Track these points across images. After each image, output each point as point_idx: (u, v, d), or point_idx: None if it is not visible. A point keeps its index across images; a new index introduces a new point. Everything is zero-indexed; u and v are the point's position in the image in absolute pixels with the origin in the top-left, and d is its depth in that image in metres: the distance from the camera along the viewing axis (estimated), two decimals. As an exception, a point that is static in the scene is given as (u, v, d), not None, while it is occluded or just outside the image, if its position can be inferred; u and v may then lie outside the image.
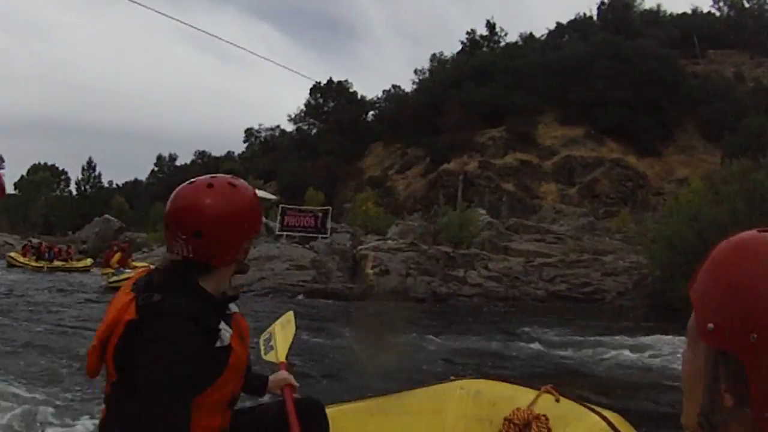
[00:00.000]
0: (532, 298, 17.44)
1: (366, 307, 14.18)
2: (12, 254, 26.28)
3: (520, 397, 1.99)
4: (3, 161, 28.95)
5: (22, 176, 68.56)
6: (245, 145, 59.31)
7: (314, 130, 50.33)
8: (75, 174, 70.59)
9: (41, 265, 23.91)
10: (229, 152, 60.62)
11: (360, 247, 19.96)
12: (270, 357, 2.10)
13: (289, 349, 2.10)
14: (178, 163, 65.52)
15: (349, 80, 53.73)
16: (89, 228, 41.72)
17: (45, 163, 70.79)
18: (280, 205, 23.02)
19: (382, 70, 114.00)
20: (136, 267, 13.47)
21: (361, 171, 43.16)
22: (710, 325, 0.64)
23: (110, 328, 1.39)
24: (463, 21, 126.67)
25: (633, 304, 16.27)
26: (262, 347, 2.16)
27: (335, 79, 50.85)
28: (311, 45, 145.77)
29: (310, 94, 50.20)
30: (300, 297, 15.98)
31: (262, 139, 57.10)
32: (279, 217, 21.86)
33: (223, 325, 1.45)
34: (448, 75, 46.77)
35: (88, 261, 26.59)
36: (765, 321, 0.59)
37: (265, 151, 53.35)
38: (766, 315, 0.60)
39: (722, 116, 36.21)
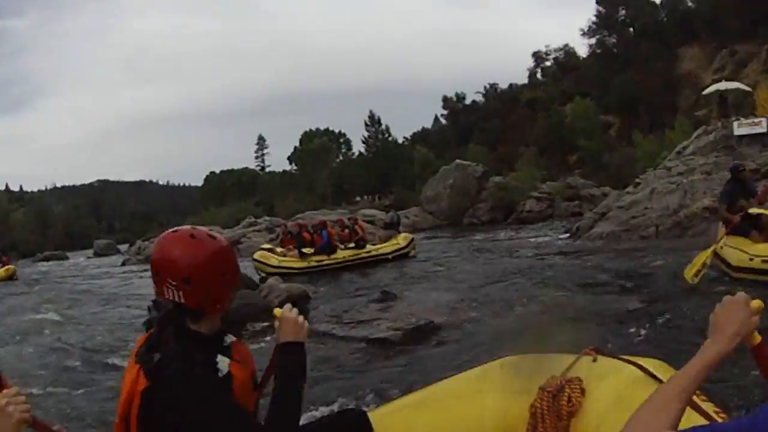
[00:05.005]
0: None
1: None
2: (257, 255, 15.18)
3: (558, 364, 1.95)
4: None
5: (296, 148, 63.70)
6: (528, 70, 58.17)
7: (614, 41, 48.46)
8: (354, 137, 65.01)
9: (308, 263, 14.32)
10: (511, 84, 59.20)
11: None
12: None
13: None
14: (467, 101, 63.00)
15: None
16: (434, 183, 33.13)
17: (318, 128, 64.68)
18: None
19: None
20: None
21: (694, 77, 41.18)
22: None
23: (128, 403, 1.46)
24: None
25: None
26: None
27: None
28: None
29: (598, 2, 48.11)
30: None
31: (552, 61, 56.41)
32: None
33: (219, 357, 1.52)
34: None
35: (401, 239, 16.08)
36: None
37: (564, 72, 52.52)
38: None
39: None
